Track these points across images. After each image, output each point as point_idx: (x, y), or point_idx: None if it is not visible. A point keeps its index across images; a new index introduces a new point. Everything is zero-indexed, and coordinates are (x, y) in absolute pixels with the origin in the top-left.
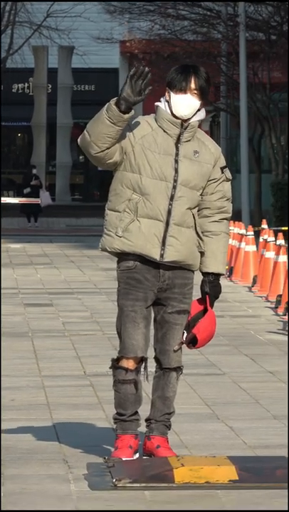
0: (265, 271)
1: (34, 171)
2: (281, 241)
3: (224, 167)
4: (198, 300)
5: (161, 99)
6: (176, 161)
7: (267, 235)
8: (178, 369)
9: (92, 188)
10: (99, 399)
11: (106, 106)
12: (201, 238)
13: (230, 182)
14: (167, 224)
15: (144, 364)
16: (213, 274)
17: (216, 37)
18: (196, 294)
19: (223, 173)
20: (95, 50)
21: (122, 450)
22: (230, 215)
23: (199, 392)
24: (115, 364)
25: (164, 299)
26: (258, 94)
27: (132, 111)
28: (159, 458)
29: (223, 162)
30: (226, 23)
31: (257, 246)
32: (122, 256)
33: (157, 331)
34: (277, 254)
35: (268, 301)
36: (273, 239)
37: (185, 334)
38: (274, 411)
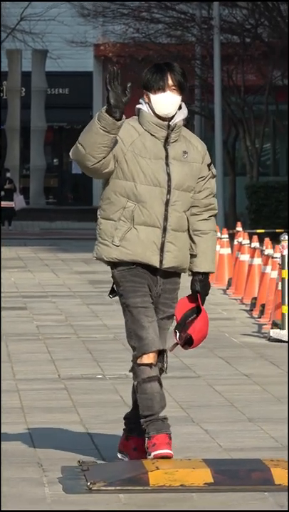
0: (240, 273)
1: (8, 175)
2: (256, 244)
3: (210, 164)
4: (187, 297)
5: (141, 101)
6: (167, 164)
7: (242, 238)
8: (161, 370)
9: (66, 191)
10: (73, 402)
11: (97, 116)
12: (193, 240)
13: (215, 178)
14: (164, 230)
15: (164, 357)
16: (201, 272)
17: (190, 40)
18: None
19: (210, 170)
20: (68, 54)
21: (162, 445)
22: (217, 211)
23: (174, 395)
24: (137, 363)
25: (155, 304)
26: (232, 97)
27: (124, 116)
28: (134, 461)
29: (208, 159)
30: (200, 26)
31: (232, 249)
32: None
33: None
34: (252, 256)
35: (243, 303)
36: (248, 241)
37: (178, 334)
38: (249, 414)
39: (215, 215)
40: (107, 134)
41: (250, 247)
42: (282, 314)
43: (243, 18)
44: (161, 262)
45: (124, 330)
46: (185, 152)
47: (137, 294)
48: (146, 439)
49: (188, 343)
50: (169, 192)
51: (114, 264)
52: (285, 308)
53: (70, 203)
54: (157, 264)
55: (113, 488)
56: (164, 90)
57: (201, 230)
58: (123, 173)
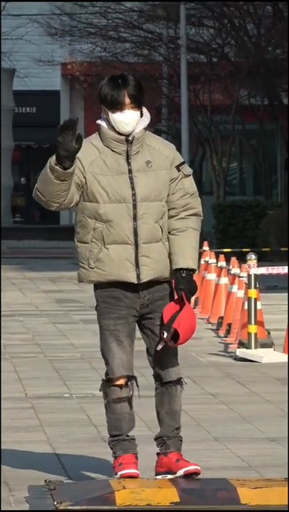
0: (207, 293)
1: None
2: (222, 263)
3: (180, 164)
4: (174, 301)
5: (102, 116)
6: (131, 178)
7: (208, 257)
8: (179, 381)
9: (33, 209)
10: (40, 421)
11: (48, 167)
12: (170, 240)
13: (191, 176)
14: (136, 245)
15: (134, 382)
16: (183, 269)
17: (157, 59)
18: None
19: (180, 170)
20: (36, 73)
21: (129, 464)
22: (198, 209)
23: (141, 414)
24: (107, 383)
25: (149, 312)
26: (199, 117)
27: (76, 160)
28: (101, 480)
29: (179, 160)
30: (167, 45)
31: (198, 268)
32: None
33: (150, 346)
34: (219, 276)
35: (210, 322)
36: (215, 261)
37: (165, 334)
38: (215, 433)
39: (196, 214)
40: (62, 182)
41: (216, 266)
42: (249, 334)
43: (209, 37)
44: (138, 276)
45: (89, 348)
46: (148, 162)
47: (110, 315)
48: (113, 458)
49: (174, 338)
50: (135, 206)
51: (94, 285)
52: (251, 327)
53: (37, 222)
54: (134, 280)
55: (80, 507)
56: (121, 109)
57: (178, 228)
58: (87, 195)
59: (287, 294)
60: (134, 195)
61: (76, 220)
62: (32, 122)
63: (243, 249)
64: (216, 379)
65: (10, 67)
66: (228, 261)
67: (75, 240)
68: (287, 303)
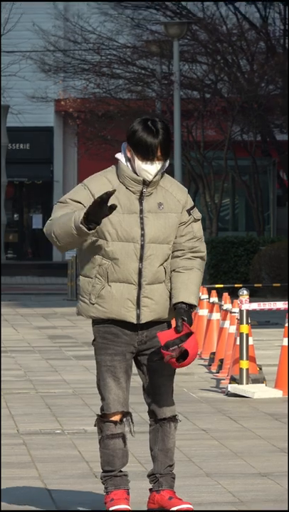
0: (199, 328)
1: None
2: (214, 299)
3: (191, 208)
4: (174, 329)
5: (122, 151)
6: (142, 218)
7: (201, 293)
8: (174, 418)
9: (26, 246)
10: (32, 457)
11: (73, 223)
12: (173, 276)
13: (200, 221)
14: (139, 285)
15: (129, 418)
16: (184, 303)
17: (150, 95)
18: None
19: (190, 214)
20: (29, 109)
21: (120, 500)
22: (203, 253)
23: (132, 450)
24: (102, 419)
25: (147, 349)
26: (192, 153)
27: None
28: None
29: (190, 204)
30: (161, 81)
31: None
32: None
33: (146, 382)
34: (211, 311)
35: (202, 358)
36: (207, 296)
37: (169, 349)
38: (206, 468)
39: (201, 258)
40: (81, 238)
41: (208, 301)
42: (240, 369)
43: (203, 73)
44: (138, 317)
45: (81, 384)
46: (160, 204)
47: (107, 351)
48: (105, 493)
49: (182, 357)
50: (142, 247)
51: (92, 320)
52: (243, 363)
53: (30, 258)
54: (134, 321)
55: None
56: (151, 162)
57: (183, 266)
58: (97, 232)
59: (279, 329)
60: (142, 235)
61: (81, 255)
62: (25, 159)
63: (235, 285)
64: (207, 414)
65: (3, 103)
66: (220, 296)
67: (79, 273)
68: (279, 338)
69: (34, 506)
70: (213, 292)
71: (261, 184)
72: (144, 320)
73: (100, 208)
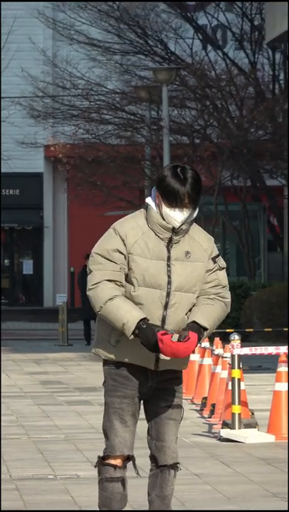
0: (190, 373)
1: None
2: (206, 344)
3: (216, 256)
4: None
5: (152, 197)
6: (169, 266)
7: None
8: (175, 466)
9: (17, 291)
10: (24, 503)
11: (124, 325)
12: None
13: (224, 270)
14: None
15: (132, 462)
16: (194, 323)
17: (139, 141)
18: None
19: (215, 262)
20: (19, 155)
21: None
22: (228, 300)
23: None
24: (102, 462)
25: (156, 393)
26: None
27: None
28: None
29: (215, 252)
30: (150, 126)
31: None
32: None
33: (151, 428)
34: (202, 356)
35: (194, 403)
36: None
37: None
38: None
39: (226, 304)
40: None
41: (200, 346)
42: (233, 414)
43: (192, 118)
44: (156, 365)
45: (73, 430)
46: (188, 252)
47: (116, 393)
48: None
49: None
50: (168, 294)
51: (104, 360)
52: (235, 408)
53: (21, 304)
54: (152, 367)
55: None
56: (178, 209)
57: (206, 303)
58: (125, 275)
59: (271, 375)
60: (169, 283)
61: None
62: (15, 204)
63: (227, 330)
64: (200, 459)
65: None
66: (211, 341)
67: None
68: (271, 383)
69: None
70: None
71: (252, 229)
72: (162, 368)
73: (150, 335)
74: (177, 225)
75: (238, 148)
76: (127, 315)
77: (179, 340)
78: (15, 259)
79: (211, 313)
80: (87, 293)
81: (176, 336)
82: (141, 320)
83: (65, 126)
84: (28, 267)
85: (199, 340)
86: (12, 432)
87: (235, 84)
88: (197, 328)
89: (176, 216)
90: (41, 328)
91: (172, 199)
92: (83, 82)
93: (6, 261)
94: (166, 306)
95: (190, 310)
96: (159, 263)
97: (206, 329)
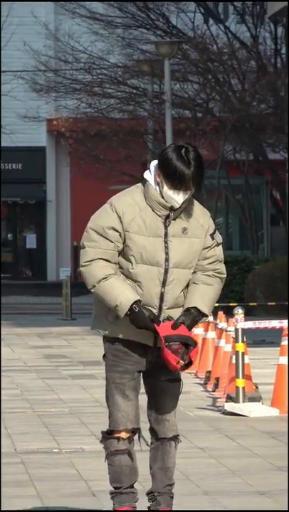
0: None
1: None
2: (210, 318)
3: (214, 232)
4: (172, 324)
5: (151, 170)
6: (166, 242)
7: None
8: (175, 438)
9: (20, 265)
10: (30, 476)
11: (119, 306)
12: (190, 289)
13: (221, 244)
14: (160, 309)
15: (138, 434)
16: (196, 308)
17: (142, 115)
18: None
19: (213, 239)
20: (21, 129)
21: None
22: (224, 276)
23: None
24: (106, 436)
25: (155, 367)
26: None
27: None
28: None
29: (212, 227)
30: (152, 100)
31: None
32: None
33: (150, 401)
34: (206, 330)
35: (197, 377)
36: None
37: (176, 348)
38: (204, 487)
39: (222, 279)
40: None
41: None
42: (237, 388)
43: (194, 92)
44: (154, 341)
45: (78, 403)
46: (185, 229)
47: (116, 369)
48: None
49: (186, 365)
50: (166, 271)
51: (104, 336)
52: (239, 381)
53: (24, 278)
54: (151, 344)
55: None
56: (179, 191)
57: (203, 281)
58: (122, 252)
59: (274, 348)
60: (167, 260)
61: None
62: (18, 178)
63: (230, 304)
64: (204, 433)
65: None
66: (215, 315)
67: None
68: (275, 357)
69: None
70: None
71: (255, 203)
72: (159, 344)
73: (141, 319)
74: (177, 206)
75: (241, 122)
76: (121, 297)
77: (182, 359)
78: (18, 234)
79: (210, 297)
80: (80, 269)
81: (182, 363)
82: (134, 302)
83: (68, 100)
84: (31, 241)
85: (196, 323)
86: (17, 406)
87: (237, 58)
88: (197, 315)
89: (177, 198)
90: (45, 303)
91: (176, 182)
92: (85, 56)
93: (9, 235)
94: (164, 283)
95: (186, 286)
96: (156, 240)
97: (205, 315)
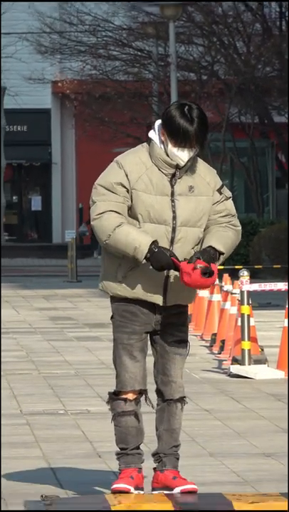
0: (200, 310)
1: None
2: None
3: (221, 187)
4: (188, 261)
5: (156, 130)
6: (173, 201)
7: None
8: (181, 399)
9: (26, 228)
10: (35, 437)
11: (134, 251)
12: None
13: (231, 199)
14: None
15: (145, 396)
16: (210, 247)
17: (147, 77)
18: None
19: (221, 193)
20: (26, 91)
21: (122, 479)
22: (239, 228)
23: None
24: (113, 397)
25: (163, 329)
26: None
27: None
28: (97, 495)
29: (219, 183)
30: (157, 63)
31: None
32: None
33: (157, 362)
34: (212, 293)
35: (203, 339)
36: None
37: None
38: (210, 448)
39: (238, 232)
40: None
41: None
42: (242, 350)
43: (199, 55)
44: (164, 300)
45: (84, 365)
46: (191, 187)
47: (124, 329)
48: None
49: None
50: (174, 230)
51: (111, 297)
52: (245, 344)
53: (30, 240)
54: (160, 303)
55: None
56: (184, 149)
57: (217, 229)
58: (130, 211)
59: (280, 311)
60: (174, 218)
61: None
62: (23, 141)
63: (236, 266)
64: (210, 395)
65: (0, 85)
66: (220, 278)
67: (104, 250)
68: (280, 319)
69: (38, 486)
70: None
71: (260, 166)
72: (169, 303)
73: (163, 258)
74: (182, 163)
75: (246, 84)
76: (139, 238)
77: (204, 274)
78: (23, 196)
79: (225, 238)
80: (92, 223)
81: (202, 267)
82: (152, 243)
83: (73, 62)
84: (36, 203)
85: (213, 261)
86: (22, 368)
87: (242, 20)
88: (213, 252)
89: (182, 155)
90: (50, 265)
91: (180, 140)
92: (90, 18)
93: (14, 197)
94: (172, 242)
95: (197, 245)
96: (163, 199)
97: (222, 253)
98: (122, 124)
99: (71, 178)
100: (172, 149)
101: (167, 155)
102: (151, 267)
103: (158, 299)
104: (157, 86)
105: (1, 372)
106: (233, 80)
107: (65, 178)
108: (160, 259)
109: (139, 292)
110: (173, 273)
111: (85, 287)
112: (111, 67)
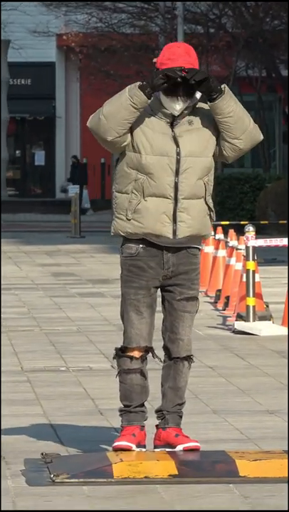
0: (205, 265)
1: None
2: (220, 235)
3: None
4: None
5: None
6: (174, 137)
7: None
8: (188, 358)
9: (29, 183)
10: (36, 395)
11: (128, 92)
12: (211, 208)
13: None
14: (176, 200)
15: (151, 353)
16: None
17: (153, 30)
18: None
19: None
20: (31, 44)
21: (124, 437)
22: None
23: None
24: (119, 353)
25: (171, 285)
26: None
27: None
28: (98, 453)
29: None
30: (164, 16)
31: None
32: (126, 241)
33: (166, 319)
34: (217, 248)
35: (208, 296)
36: (212, 233)
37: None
38: (213, 405)
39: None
40: (136, 110)
41: (214, 238)
42: (247, 306)
43: (206, 8)
44: (174, 232)
45: (86, 322)
46: (190, 121)
47: (131, 284)
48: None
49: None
50: (178, 161)
51: (121, 244)
52: (249, 300)
53: (32, 195)
54: (170, 235)
55: (76, 480)
56: (177, 99)
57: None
58: (132, 145)
59: (286, 267)
60: (178, 149)
61: (117, 171)
62: (27, 94)
63: (241, 222)
64: (214, 352)
65: (5, 38)
66: (226, 233)
67: (114, 190)
68: (286, 276)
69: (39, 443)
70: (219, 229)
71: (267, 120)
72: (180, 235)
73: (160, 79)
74: (176, 113)
75: (254, 38)
76: (126, 88)
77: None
78: (26, 150)
79: (240, 107)
80: (88, 126)
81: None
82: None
83: (78, 14)
84: (39, 157)
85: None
86: (24, 324)
87: None
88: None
89: (176, 106)
90: (53, 220)
91: (169, 89)
92: None
93: (17, 152)
94: (177, 173)
95: (206, 175)
96: (165, 136)
97: (223, 92)
98: (128, 77)
99: (75, 132)
100: (164, 98)
101: (162, 104)
102: (155, 184)
103: (167, 232)
104: (164, 39)
105: (2, 329)
106: (241, 33)
107: (69, 133)
108: (154, 79)
109: (148, 226)
110: (182, 204)
111: (89, 243)
112: (117, 20)
